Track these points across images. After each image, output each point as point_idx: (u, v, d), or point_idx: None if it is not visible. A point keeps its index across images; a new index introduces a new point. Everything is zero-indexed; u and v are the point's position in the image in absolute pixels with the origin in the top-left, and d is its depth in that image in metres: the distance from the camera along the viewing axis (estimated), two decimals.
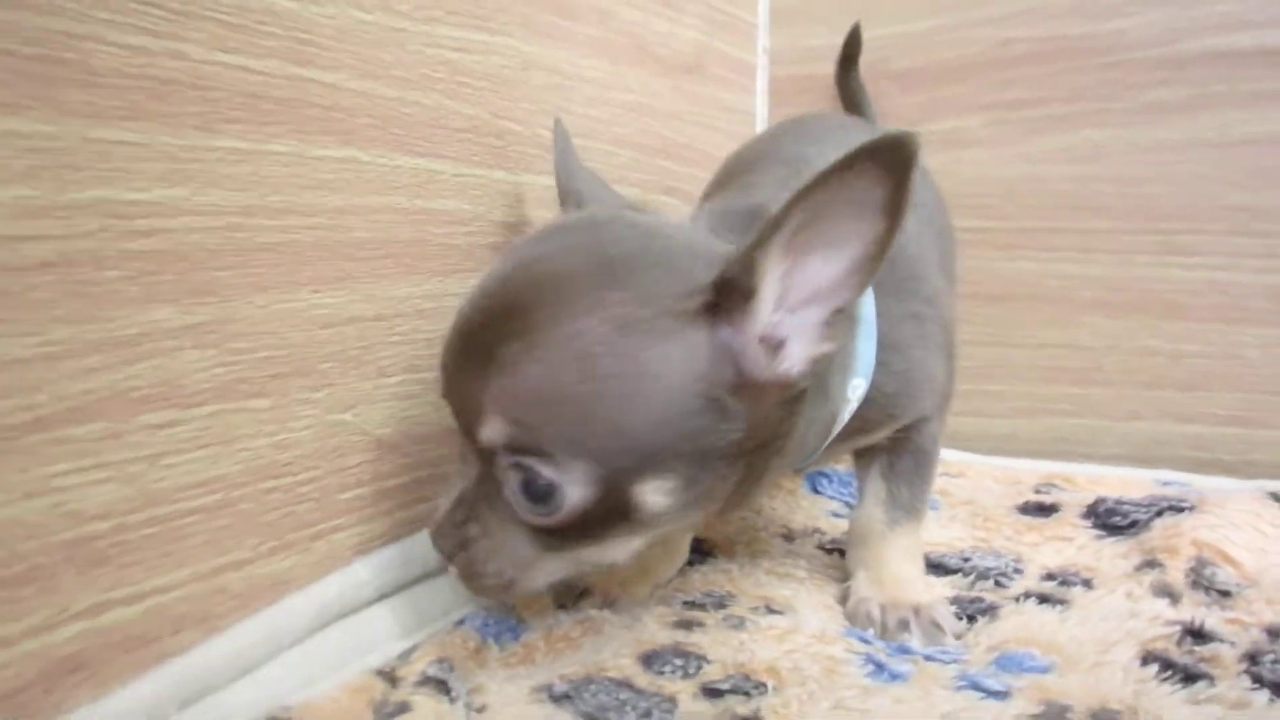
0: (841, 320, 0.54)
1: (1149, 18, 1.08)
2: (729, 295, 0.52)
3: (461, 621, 0.66)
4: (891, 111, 1.20)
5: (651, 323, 0.51)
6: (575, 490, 0.52)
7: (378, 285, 0.67)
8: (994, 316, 1.18)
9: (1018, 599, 0.74)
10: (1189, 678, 0.59)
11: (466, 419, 0.55)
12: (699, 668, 0.60)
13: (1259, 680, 0.58)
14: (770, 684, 0.58)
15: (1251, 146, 1.06)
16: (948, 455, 1.15)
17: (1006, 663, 0.62)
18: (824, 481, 1.05)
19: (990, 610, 0.72)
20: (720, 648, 0.63)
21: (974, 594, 0.77)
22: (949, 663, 0.62)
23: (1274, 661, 0.60)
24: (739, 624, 0.67)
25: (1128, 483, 1.02)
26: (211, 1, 0.53)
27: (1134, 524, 0.87)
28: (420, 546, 0.68)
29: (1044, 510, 0.94)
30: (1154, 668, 0.59)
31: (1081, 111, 1.12)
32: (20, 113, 0.43)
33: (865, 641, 0.65)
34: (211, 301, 0.55)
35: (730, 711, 0.55)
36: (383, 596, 0.66)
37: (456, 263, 0.73)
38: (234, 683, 0.54)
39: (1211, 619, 0.65)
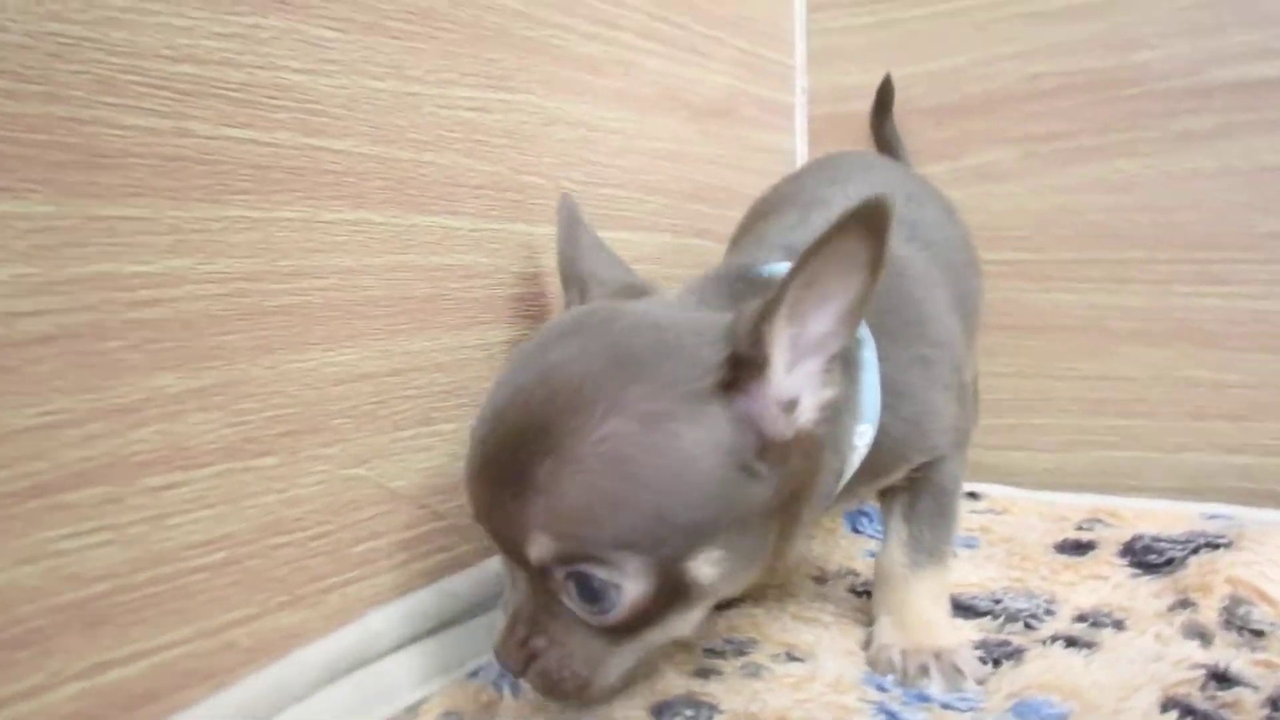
0: (837, 365, 0.56)
1: (1173, 49, 1.07)
2: (743, 368, 0.54)
3: (476, 672, 0.67)
4: (924, 147, 1.20)
5: (674, 410, 0.53)
6: (632, 585, 0.53)
7: (393, 341, 0.68)
8: (1034, 349, 1.16)
9: (1045, 642, 0.73)
10: None
11: (509, 540, 0.55)
12: (709, 718, 0.60)
13: None
14: None
15: (1278, 174, 1.04)
16: (992, 491, 1.13)
17: (1024, 710, 0.60)
18: (864, 520, 1.04)
19: (1016, 654, 0.71)
20: (734, 697, 0.63)
21: (1002, 636, 0.75)
22: (965, 710, 0.61)
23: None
24: (755, 672, 0.67)
25: (1174, 516, 1.00)
26: (219, 80, 0.56)
27: (1170, 561, 0.85)
28: (435, 596, 0.70)
29: (1081, 548, 0.92)
30: (1174, 714, 0.57)
31: (1112, 142, 1.11)
32: (23, 196, 0.45)
33: (882, 689, 0.65)
34: (217, 365, 0.57)
35: None
36: (398, 648, 0.67)
37: (475, 315, 0.75)
38: None
39: (1239, 661, 0.64)
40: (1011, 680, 0.65)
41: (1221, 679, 0.62)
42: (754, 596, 0.84)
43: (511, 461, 0.53)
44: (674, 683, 0.66)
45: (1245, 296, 1.07)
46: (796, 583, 0.88)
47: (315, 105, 0.62)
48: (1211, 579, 0.78)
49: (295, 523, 0.62)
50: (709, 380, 0.54)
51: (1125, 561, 0.88)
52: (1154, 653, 0.68)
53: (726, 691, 0.64)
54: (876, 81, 1.20)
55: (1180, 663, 0.65)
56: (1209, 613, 0.74)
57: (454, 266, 0.73)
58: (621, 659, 0.58)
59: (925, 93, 1.19)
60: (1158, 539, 0.89)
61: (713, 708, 0.61)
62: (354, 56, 0.64)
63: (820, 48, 1.25)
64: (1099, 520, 1.00)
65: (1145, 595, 0.81)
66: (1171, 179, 1.09)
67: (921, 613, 0.72)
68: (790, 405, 0.55)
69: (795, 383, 0.55)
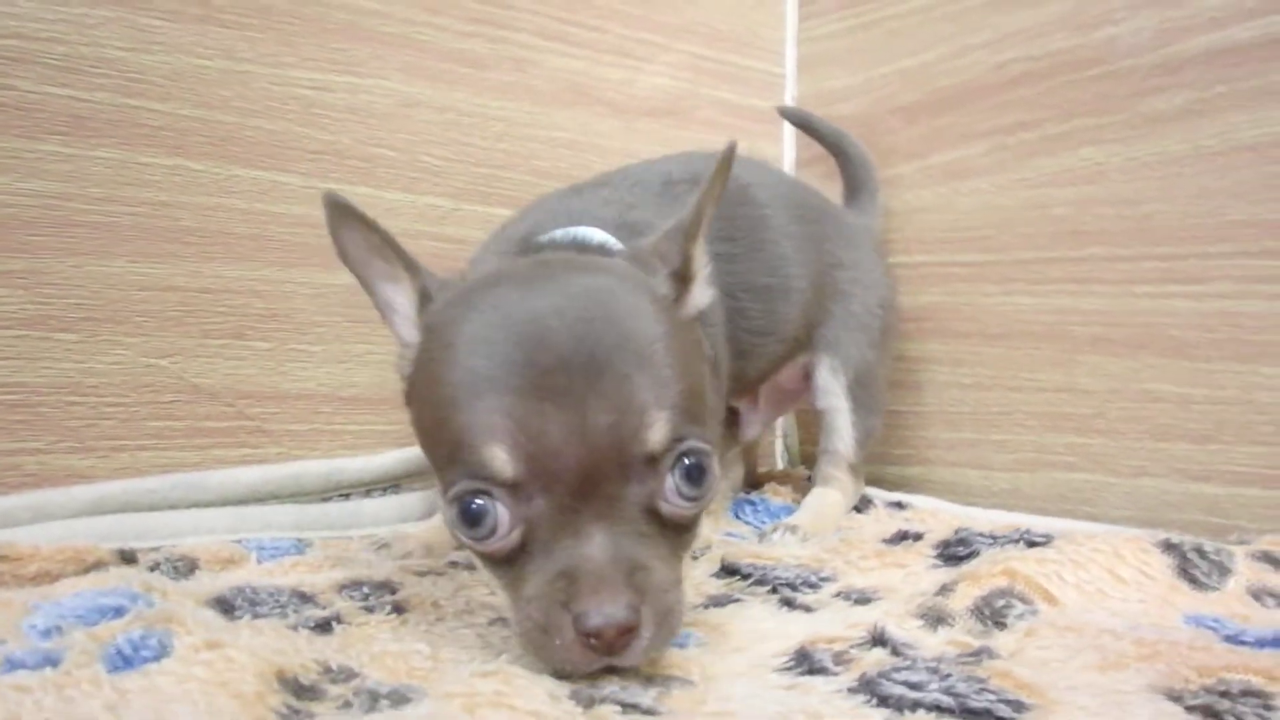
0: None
1: (1139, 21, 0.97)
2: (678, 282, 0.63)
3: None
4: (897, 146, 1.16)
5: (673, 318, 0.60)
6: (713, 463, 0.56)
7: (206, 265, 0.85)
8: (995, 357, 1.07)
9: (761, 598, 0.72)
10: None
11: (616, 444, 0.52)
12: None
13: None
14: None
15: (1255, 152, 0.90)
16: (918, 502, 1.07)
17: None
18: (747, 509, 1.04)
19: (729, 603, 0.70)
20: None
21: (733, 594, 0.75)
22: None
23: (880, 676, 0.53)
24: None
25: None
26: (43, 52, 0.78)
27: (974, 554, 0.78)
28: (222, 479, 0.84)
29: (905, 538, 0.86)
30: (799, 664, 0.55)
31: (1079, 129, 1.01)
32: None
33: None
34: (23, 257, 0.77)
35: None
36: (171, 509, 0.82)
37: (304, 258, 0.90)
38: None
39: (912, 635, 0.59)
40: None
41: (879, 641, 0.57)
42: None
43: (601, 371, 0.53)
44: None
45: (1215, 296, 0.92)
46: None
47: (136, 75, 0.82)
48: (988, 569, 0.71)
49: (90, 389, 0.80)
50: (670, 296, 0.62)
51: (935, 553, 0.81)
52: (844, 618, 0.65)
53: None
54: (858, 83, 1.19)
55: (856, 625, 0.61)
56: (961, 600, 0.68)
57: (281, 214, 0.89)
58: (682, 587, 0.56)
59: (899, 90, 1.16)
60: (979, 534, 0.81)
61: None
62: (181, 40, 0.84)
63: (808, 55, 1.26)
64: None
65: (921, 581, 0.75)
66: (1138, 166, 0.97)
67: None
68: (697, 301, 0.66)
69: (702, 286, 0.66)
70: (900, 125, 1.16)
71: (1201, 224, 0.93)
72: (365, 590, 0.71)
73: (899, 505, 1.07)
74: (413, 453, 0.95)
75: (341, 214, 0.61)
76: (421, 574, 0.76)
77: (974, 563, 0.75)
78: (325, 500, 0.91)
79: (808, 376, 1.01)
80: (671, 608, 0.53)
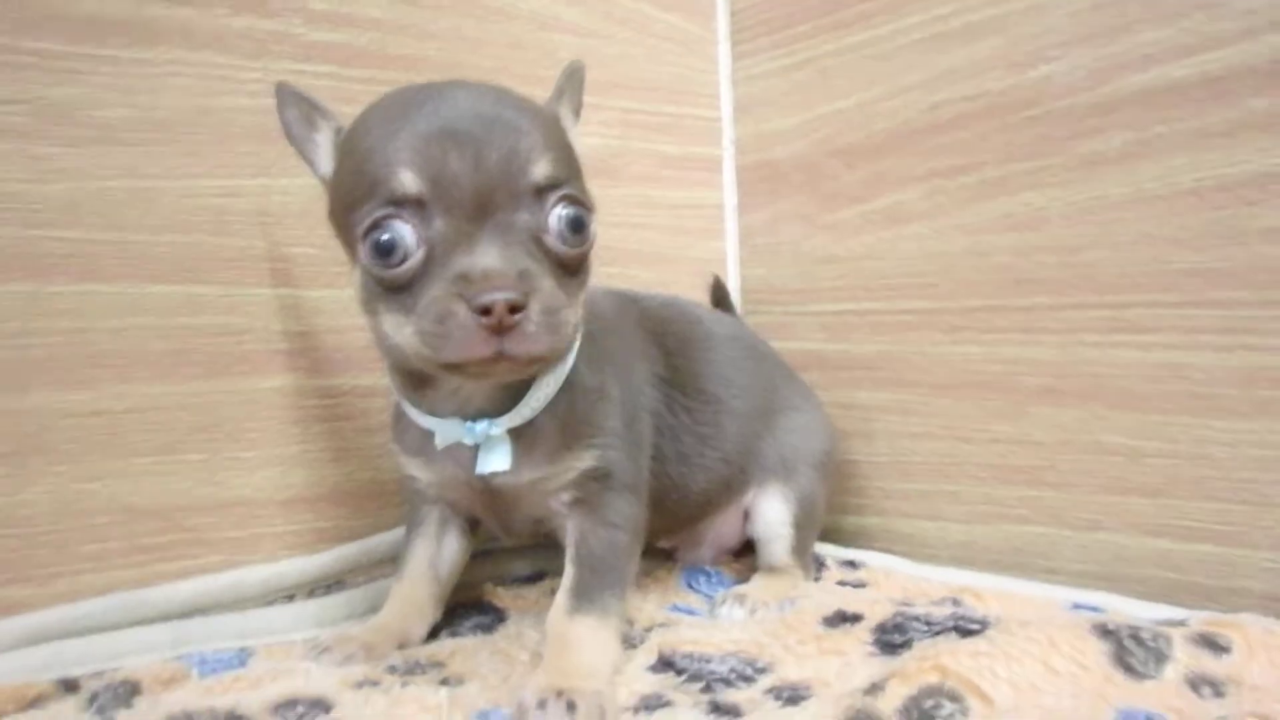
0: None
1: (1073, 59, 0.94)
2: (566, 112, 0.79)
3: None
4: (838, 190, 1.14)
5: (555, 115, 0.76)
6: (593, 222, 0.68)
7: (129, 385, 0.85)
8: (945, 407, 1.05)
9: (701, 705, 0.71)
10: None
11: (506, 174, 0.63)
12: None
13: None
14: None
15: (1197, 197, 0.87)
16: (872, 560, 1.05)
17: None
18: (701, 579, 1.03)
19: (665, 706, 0.70)
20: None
21: (665, 692, 0.74)
22: None
23: None
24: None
25: (1036, 603, 0.88)
26: None
27: (909, 642, 0.77)
28: (164, 594, 0.85)
29: (846, 620, 0.84)
30: None
31: (1015, 173, 0.98)
32: None
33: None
34: None
35: None
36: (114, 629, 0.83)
37: (227, 366, 0.90)
38: None
39: None
40: None
41: None
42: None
43: (496, 121, 0.64)
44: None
45: (1162, 347, 0.89)
46: None
47: (39, 205, 0.81)
48: (919, 666, 0.71)
49: (24, 519, 0.81)
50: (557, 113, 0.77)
51: (873, 639, 0.80)
52: None
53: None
54: (795, 125, 1.16)
55: None
56: (891, 700, 0.68)
57: (201, 326, 0.89)
58: (575, 312, 0.67)
59: (837, 132, 1.14)
60: (915, 618, 0.80)
61: None
62: (81, 165, 0.83)
63: (744, 96, 1.23)
64: (953, 599, 0.90)
65: (855, 673, 0.74)
66: (1078, 211, 0.94)
67: (576, 657, 0.74)
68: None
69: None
70: (841, 169, 1.13)
71: (1145, 272, 0.90)
72: (300, 710, 0.71)
73: (852, 564, 1.06)
74: (353, 548, 0.96)
75: (282, 95, 0.75)
76: (358, 686, 0.76)
77: (905, 657, 0.74)
78: (269, 604, 0.91)
79: (747, 515, 1.02)
80: (559, 310, 0.63)
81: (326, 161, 0.74)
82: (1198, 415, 0.87)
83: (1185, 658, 0.70)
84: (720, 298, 1.16)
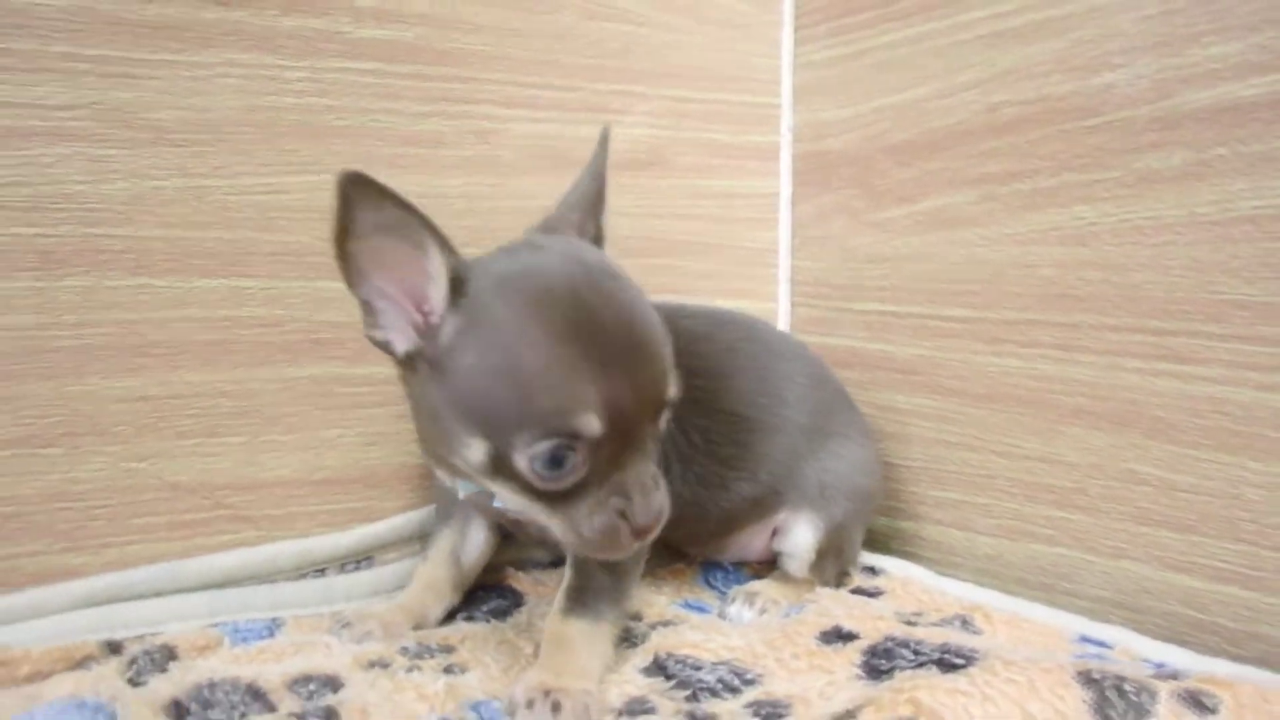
0: None
1: (1137, 69, 0.88)
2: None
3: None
4: (887, 188, 1.11)
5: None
6: None
7: (174, 374, 0.91)
8: (981, 418, 1.03)
9: (677, 712, 0.73)
10: None
11: (656, 400, 0.72)
12: None
13: None
14: None
15: (1254, 225, 0.81)
16: (893, 568, 1.05)
17: None
18: (718, 575, 1.05)
19: (648, 712, 0.73)
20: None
21: (650, 697, 0.77)
22: None
23: None
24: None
25: (1045, 631, 0.87)
26: (8, 198, 0.83)
27: (893, 670, 0.77)
28: (199, 567, 0.92)
29: (841, 638, 0.85)
30: None
31: (1070, 184, 0.94)
32: None
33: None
34: (4, 385, 0.84)
35: None
36: (157, 595, 0.90)
37: (267, 356, 0.95)
38: None
39: None
40: None
41: None
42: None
43: (655, 341, 0.72)
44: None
45: (1204, 380, 0.85)
46: None
47: (97, 204, 0.87)
48: (894, 698, 0.71)
49: (77, 495, 0.88)
50: None
51: (860, 661, 0.81)
52: None
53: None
54: (849, 117, 1.13)
55: None
56: None
57: (244, 318, 0.94)
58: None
59: (890, 128, 1.10)
60: (905, 644, 0.80)
61: None
62: (135, 166, 0.88)
63: (802, 83, 1.19)
64: (962, 618, 0.90)
65: (838, 695, 0.75)
66: (1131, 230, 0.89)
67: (568, 657, 0.77)
68: None
69: None
70: (891, 166, 1.09)
71: (1193, 299, 0.85)
72: (311, 688, 0.77)
73: (872, 570, 1.06)
74: (382, 526, 1.01)
75: (361, 191, 0.68)
76: (369, 666, 0.81)
77: (883, 686, 0.74)
78: (300, 578, 0.97)
79: (776, 532, 1.02)
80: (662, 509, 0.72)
81: (439, 302, 0.71)
82: (1234, 453, 0.83)
83: (1167, 714, 0.68)
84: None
